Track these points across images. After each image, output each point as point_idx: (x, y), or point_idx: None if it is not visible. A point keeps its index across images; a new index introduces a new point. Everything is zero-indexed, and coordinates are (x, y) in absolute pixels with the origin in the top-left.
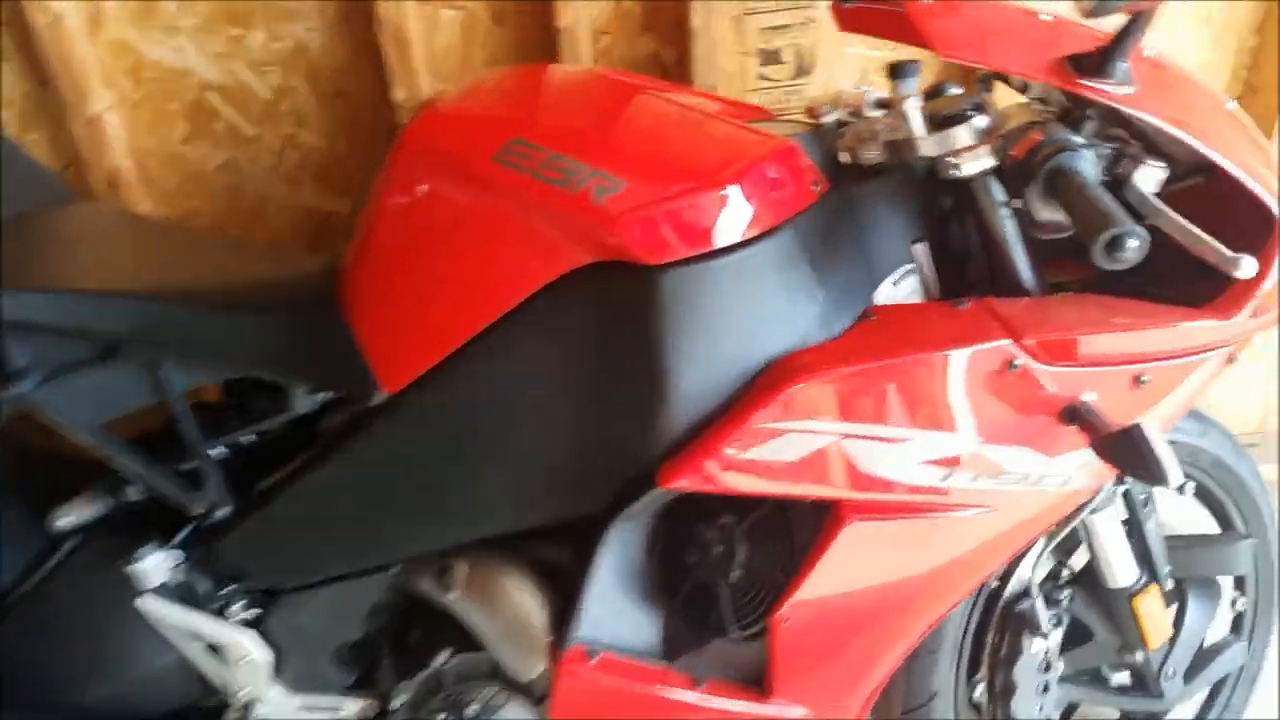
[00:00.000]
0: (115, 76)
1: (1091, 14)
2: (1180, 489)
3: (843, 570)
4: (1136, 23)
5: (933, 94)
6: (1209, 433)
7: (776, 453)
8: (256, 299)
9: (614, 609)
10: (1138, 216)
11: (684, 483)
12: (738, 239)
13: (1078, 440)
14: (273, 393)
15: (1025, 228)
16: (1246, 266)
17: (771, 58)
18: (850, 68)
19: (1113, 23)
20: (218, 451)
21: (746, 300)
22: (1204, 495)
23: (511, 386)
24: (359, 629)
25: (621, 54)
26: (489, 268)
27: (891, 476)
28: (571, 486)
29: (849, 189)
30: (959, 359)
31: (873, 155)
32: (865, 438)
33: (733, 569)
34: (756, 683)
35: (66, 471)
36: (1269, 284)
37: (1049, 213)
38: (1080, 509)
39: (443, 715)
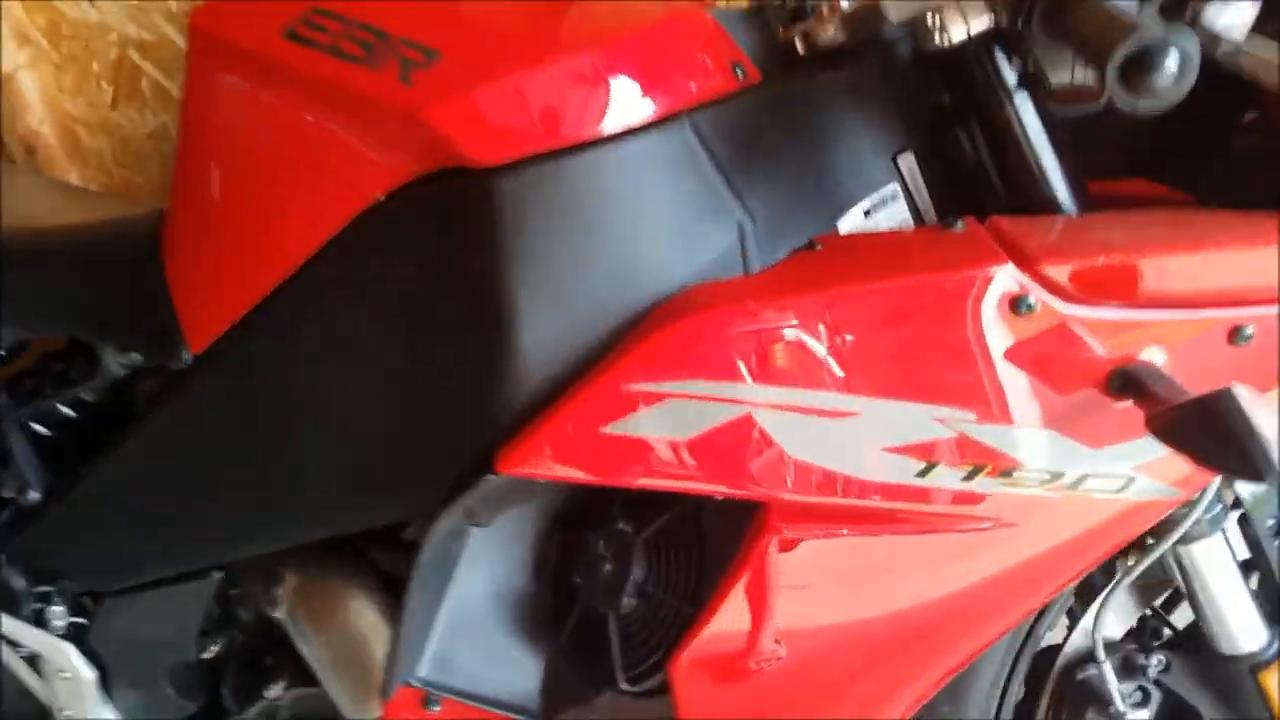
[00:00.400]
0: (37, 35)
1: None
2: None
3: (771, 604)
4: None
5: None
6: None
7: (661, 427)
8: (65, 243)
9: (473, 645)
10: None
11: (529, 467)
12: (612, 129)
13: (1132, 425)
14: (87, 355)
15: (1051, 112)
16: None
17: None
18: None
19: None
20: (35, 424)
21: (624, 215)
22: None
23: (322, 347)
24: (195, 647)
25: None
26: (291, 189)
27: (839, 469)
28: (403, 476)
29: (799, 82)
30: (933, 292)
31: (829, 34)
32: (793, 408)
33: (624, 595)
34: None
35: None
36: None
37: (1060, 65)
38: (1163, 532)
39: None
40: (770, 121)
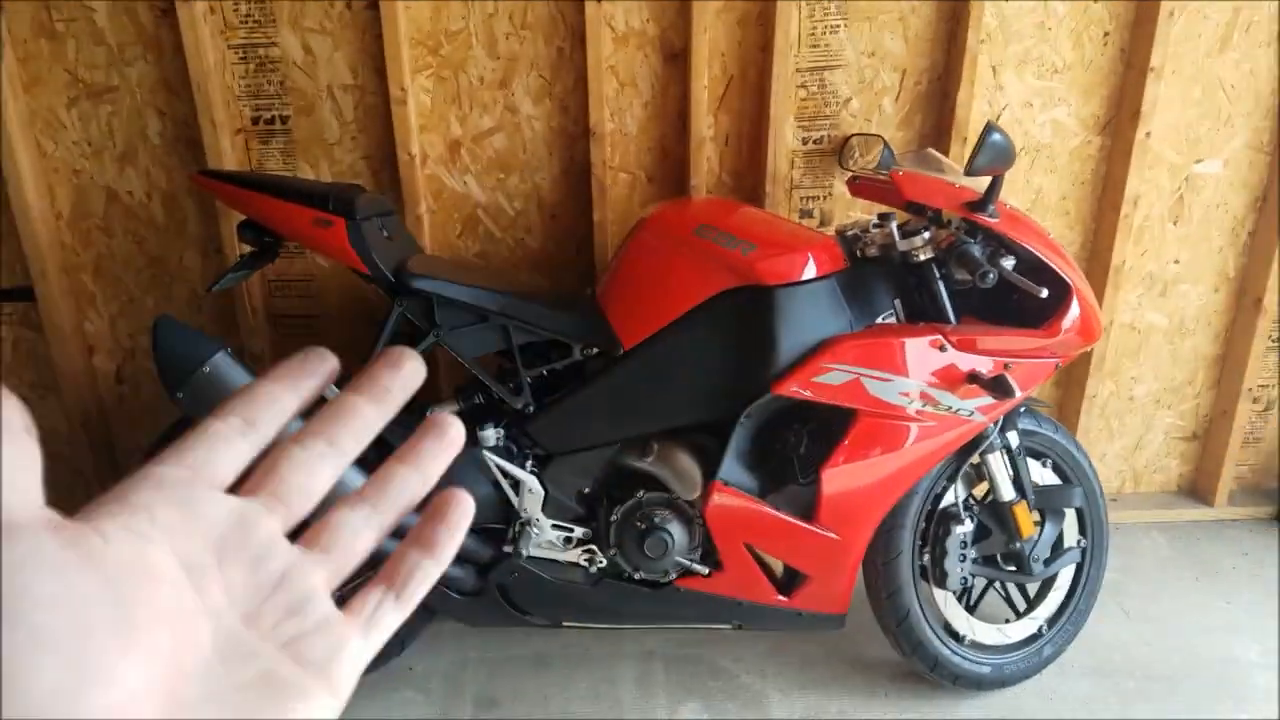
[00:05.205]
0: (429, 196)
1: (970, 173)
2: (1043, 463)
3: (858, 450)
4: (995, 182)
5: (905, 223)
6: (1059, 432)
7: (831, 380)
8: (552, 295)
9: (738, 467)
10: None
11: (783, 390)
12: (813, 277)
13: (976, 392)
14: (562, 347)
15: (950, 288)
16: (1044, 292)
17: (806, 214)
18: (851, 218)
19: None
20: (533, 376)
21: (817, 307)
22: (1057, 468)
23: (682, 353)
24: (589, 484)
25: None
26: (679, 285)
27: (885, 398)
28: (717, 400)
29: (861, 266)
30: (916, 341)
31: (873, 251)
32: (872, 377)
33: (801, 447)
34: (809, 516)
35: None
36: (1069, 320)
37: (960, 274)
38: (980, 447)
39: (639, 523)
40: (854, 280)
